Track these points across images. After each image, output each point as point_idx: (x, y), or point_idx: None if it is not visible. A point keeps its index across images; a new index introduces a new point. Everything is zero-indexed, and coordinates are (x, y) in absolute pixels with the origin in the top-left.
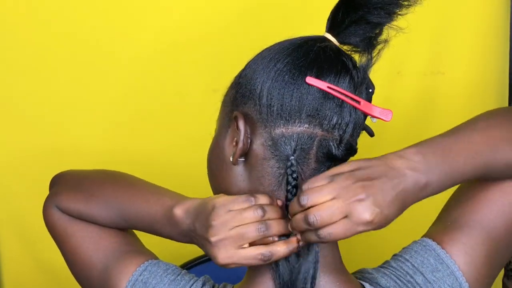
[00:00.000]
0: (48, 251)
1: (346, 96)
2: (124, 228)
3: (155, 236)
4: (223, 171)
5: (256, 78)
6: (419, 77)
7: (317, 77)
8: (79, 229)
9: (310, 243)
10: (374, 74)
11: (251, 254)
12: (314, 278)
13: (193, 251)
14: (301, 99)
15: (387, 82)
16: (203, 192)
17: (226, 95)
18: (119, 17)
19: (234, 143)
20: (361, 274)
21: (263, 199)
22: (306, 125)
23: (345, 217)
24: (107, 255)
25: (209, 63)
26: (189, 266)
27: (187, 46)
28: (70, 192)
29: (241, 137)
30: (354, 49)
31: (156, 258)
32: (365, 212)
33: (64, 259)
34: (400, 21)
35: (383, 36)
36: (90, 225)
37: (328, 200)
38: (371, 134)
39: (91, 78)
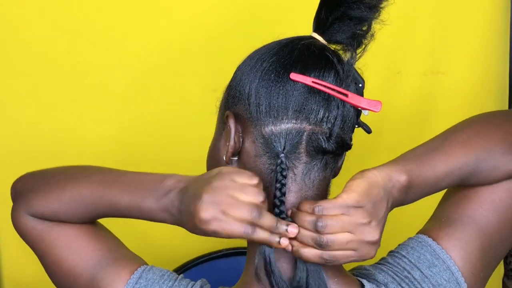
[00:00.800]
0: None
1: (332, 89)
2: (102, 216)
3: (145, 242)
4: None
5: (244, 79)
6: (419, 77)
7: (302, 73)
8: (58, 237)
9: (308, 261)
10: (374, 74)
11: (234, 224)
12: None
13: (186, 254)
14: (287, 96)
15: (387, 82)
16: None
17: (221, 99)
18: (119, 18)
19: (227, 143)
20: (358, 271)
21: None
22: (294, 121)
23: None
24: (93, 264)
25: (209, 63)
26: (183, 269)
27: (187, 46)
28: (39, 193)
29: (232, 135)
30: (343, 48)
31: (145, 262)
32: (372, 252)
33: (46, 271)
34: (399, 20)
35: (365, 28)
36: (69, 230)
37: (343, 231)
38: (368, 131)
39: (91, 79)
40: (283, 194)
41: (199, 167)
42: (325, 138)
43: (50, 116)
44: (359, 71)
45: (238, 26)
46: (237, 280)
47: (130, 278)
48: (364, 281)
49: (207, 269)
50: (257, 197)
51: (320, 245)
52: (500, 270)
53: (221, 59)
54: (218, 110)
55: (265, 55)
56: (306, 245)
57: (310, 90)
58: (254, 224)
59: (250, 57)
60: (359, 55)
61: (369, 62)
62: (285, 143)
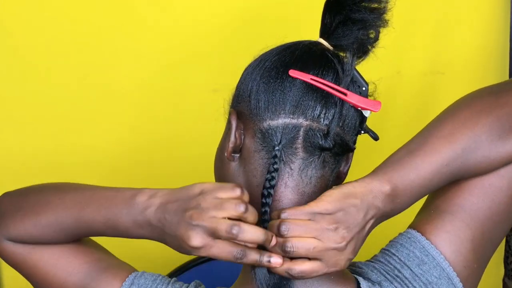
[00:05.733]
0: None
1: (331, 87)
2: (82, 236)
3: (136, 249)
4: (223, 169)
5: (248, 78)
6: (419, 77)
7: (301, 70)
8: (41, 257)
9: (276, 272)
10: (374, 74)
11: (224, 248)
12: None
13: (178, 259)
14: (285, 91)
15: (387, 82)
16: None
17: (230, 101)
18: (119, 17)
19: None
20: (352, 268)
21: (247, 197)
22: (291, 116)
23: (319, 259)
24: (82, 277)
25: (209, 63)
26: (181, 271)
27: (188, 46)
28: (15, 217)
29: (233, 131)
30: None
31: (134, 269)
32: (341, 262)
33: None
34: (399, 20)
35: (373, 35)
36: (52, 249)
37: (308, 237)
38: (375, 138)
39: (91, 79)
40: (272, 187)
41: (200, 167)
42: (321, 135)
43: (50, 117)
44: (366, 78)
45: (239, 26)
46: (233, 281)
47: (122, 286)
48: (360, 279)
49: (201, 274)
50: (237, 209)
51: (284, 251)
52: (500, 270)
53: (223, 60)
54: (226, 112)
55: (268, 55)
56: (275, 254)
57: (309, 87)
58: (244, 248)
59: (256, 59)
60: (361, 59)
61: (369, 62)
62: (281, 137)
